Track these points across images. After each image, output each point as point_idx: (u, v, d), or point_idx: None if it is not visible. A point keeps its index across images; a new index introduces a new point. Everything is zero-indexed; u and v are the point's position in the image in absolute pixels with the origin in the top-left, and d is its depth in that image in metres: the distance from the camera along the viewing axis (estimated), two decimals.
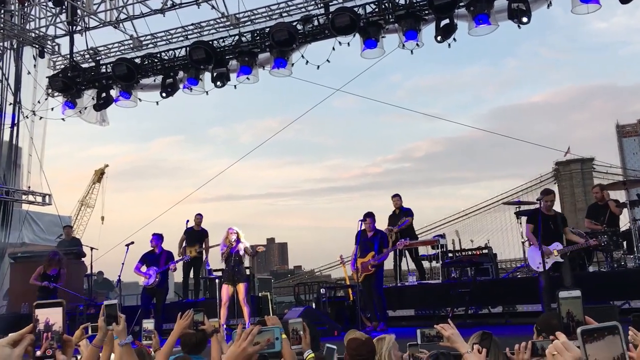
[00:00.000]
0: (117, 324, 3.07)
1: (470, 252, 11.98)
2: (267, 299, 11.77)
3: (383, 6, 11.16)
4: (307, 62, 11.73)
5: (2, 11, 13.92)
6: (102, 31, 13.90)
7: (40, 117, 14.20)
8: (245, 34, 12.40)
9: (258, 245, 10.49)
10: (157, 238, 10.68)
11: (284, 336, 2.66)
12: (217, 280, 10.66)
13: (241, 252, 9.69)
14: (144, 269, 10.51)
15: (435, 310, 9.97)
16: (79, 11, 13.50)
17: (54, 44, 14.84)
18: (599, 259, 10.42)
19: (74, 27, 13.66)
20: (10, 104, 14.51)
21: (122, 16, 13.45)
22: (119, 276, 10.75)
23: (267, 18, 12.59)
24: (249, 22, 12.79)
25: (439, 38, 10.71)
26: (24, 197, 15.05)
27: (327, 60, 11.57)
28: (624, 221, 10.16)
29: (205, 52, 12.05)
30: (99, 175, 46.43)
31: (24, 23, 14.41)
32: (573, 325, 1.80)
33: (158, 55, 13.06)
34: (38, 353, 1.62)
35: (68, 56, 13.95)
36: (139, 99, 13.46)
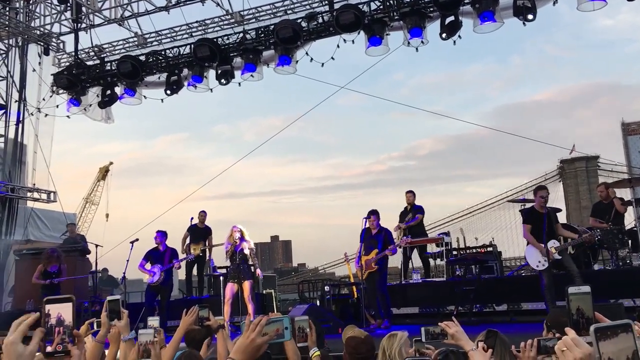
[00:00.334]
0: (120, 320, 3.07)
1: (474, 250, 11.96)
2: (271, 297, 11.77)
3: (388, 3, 11.13)
4: (312, 59, 11.72)
5: (7, 8, 13.95)
6: (107, 29, 13.95)
7: (46, 115, 14.23)
8: (249, 32, 12.39)
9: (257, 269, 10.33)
10: (162, 235, 10.68)
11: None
12: (221, 278, 10.68)
13: (245, 251, 9.70)
14: (148, 266, 10.52)
15: (440, 308, 9.96)
16: (83, 9, 13.52)
17: (58, 41, 14.86)
18: (604, 257, 10.39)
19: (79, 25, 13.68)
20: (16, 101, 14.55)
21: (127, 14, 13.47)
22: (124, 273, 10.78)
23: (272, 15, 12.58)
24: (254, 20, 12.79)
25: (443, 35, 10.68)
26: (29, 194, 15.10)
27: (332, 58, 11.55)
28: (630, 219, 10.13)
29: (209, 50, 12.05)
30: (104, 172, 46.52)
31: (29, 20, 14.44)
32: (583, 322, 1.78)
33: (162, 53, 13.07)
34: (49, 348, 1.61)
35: (73, 54, 13.99)
36: (144, 97, 13.48)
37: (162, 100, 13.14)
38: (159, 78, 13.14)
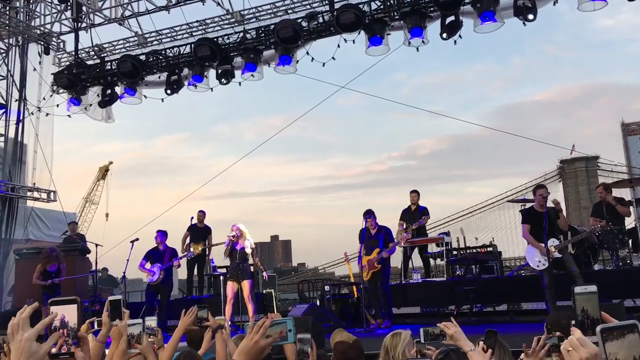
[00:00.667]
0: (121, 320, 3.07)
1: (475, 250, 11.97)
2: (271, 296, 11.77)
3: (388, 3, 11.13)
4: (313, 59, 11.72)
5: (8, 8, 13.94)
6: (107, 28, 13.96)
7: (47, 114, 14.24)
8: (249, 31, 12.39)
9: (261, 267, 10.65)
10: (162, 235, 10.69)
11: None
12: (221, 277, 10.67)
13: (247, 250, 9.70)
14: (148, 265, 10.53)
15: (440, 307, 9.96)
16: (84, 8, 13.52)
17: (59, 40, 14.87)
18: (604, 257, 10.39)
19: (79, 24, 13.67)
20: (16, 100, 14.54)
21: (127, 13, 13.48)
22: (124, 273, 10.78)
23: (272, 15, 12.58)
24: (254, 19, 12.79)
25: (444, 35, 10.68)
26: (29, 193, 15.10)
27: (333, 58, 11.55)
28: (630, 219, 10.10)
29: (210, 49, 12.05)
30: (104, 172, 46.52)
31: (29, 20, 14.43)
32: (588, 322, 1.77)
33: (163, 52, 13.07)
34: (54, 350, 1.61)
35: (73, 53, 13.99)
36: (144, 96, 13.47)
37: (162, 99, 13.14)
38: (159, 77, 13.13)
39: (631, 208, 9.69)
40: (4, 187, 14.25)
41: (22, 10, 14.36)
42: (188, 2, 12.71)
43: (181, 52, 12.86)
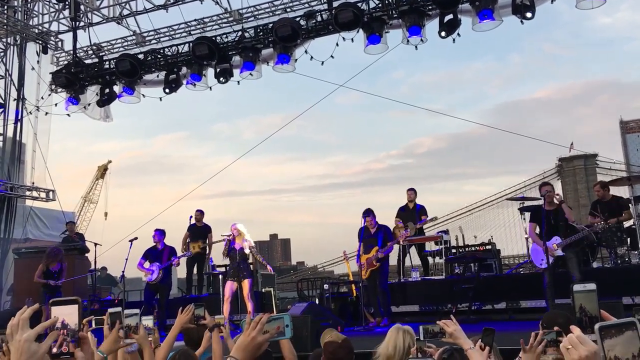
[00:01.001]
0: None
1: (473, 248, 11.98)
2: (270, 295, 11.77)
3: (387, 1, 11.13)
4: (312, 57, 11.71)
5: (6, 7, 13.93)
6: (105, 27, 13.93)
7: (46, 113, 14.23)
8: (248, 30, 12.39)
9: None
10: (160, 234, 10.69)
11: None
12: (220, 276, 10.67)
13: (246, 250, 9.71)
14: (146, 264, 10.53)
15: (439, 306, 9.97)
16: (82, 7, 13.50)
17: (57, 39, 14.85)
18: (602, 255, 10.40)
19: (77, 23, 13.65)
20: (14, 99, 14.52)
21: (125, 12, 13.46)
22: (123, 272, 10.77)
23: (270, 14, 12.57)
24: (252, 18, 12.78)
25: (442, 33, 10.68)
26: (27, 193, 15.08)
27: (331, 56, 11.56)
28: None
29: (208, 48, 12.04)
30: (102, 171, 46.62)
31: (27, 19, 14.41)
32: (586, 320, 1.78)
33: (161, 51, 13.06)
34: (54, 350, 1.62)
35: (71, 52, 13.97)
36: (142, 95, 13.47)
37: (160, 98, 13.13)
38: (158, 76, 13.13)
39: (630, 206, 9.69)
40: (3, 187, 14.23)
41: (20, 9, 14.34)
42: (186, 1, 12.69)
43: (179, 51, 12.85)
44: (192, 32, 13.25)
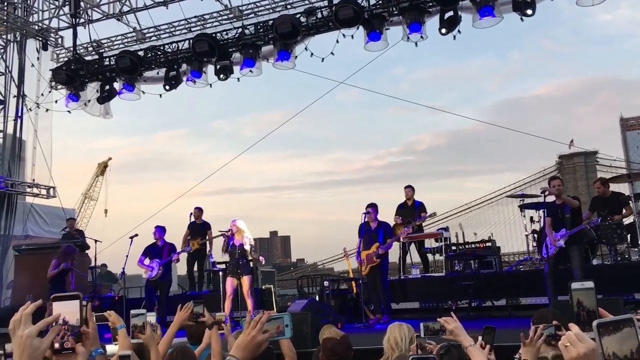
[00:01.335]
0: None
1: (473, 245, 11.99)
2: (270, 292, 11.78)
3: None
4: (312, 54, 11.70)
5: (6, 3, 13.91)
6: (106, 24, 13.92)
7: (47, 110, 14.22)
8: (248, 27, 12.37)
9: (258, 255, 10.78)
10: (160, 230, 10.69)
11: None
12: (220, 273, 10.68)
13: (246, 247, 9.71)
14: (147, 261, 10.53)
15: (439, 303, 9.97)
16: (82, 4, 13.49)
17: (57, 36, 14.84)
18: (602, 252, 10.40)
19: (77, 20, 13.64)
20: (14, 96, 14.52)
21: (125, 8, 13.44)
22: (123, 268, 10.79)
23: (271, 10, 12.56)
24: (253, 15, 12.76)
25: (443, 30, 10.67)
26: (28, 189, 15.08)
27: (332, 53, 11.53)
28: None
29: (208, 45, 12.03)
30: (102, 168, 46.58)
31: (27, 15, 14.40)
32: (584, 314, 1.78)
33: (161, 48, 13.05)
34: (56, 345, 1.62)
35: (71, 49, 13.96)
36: (142, 92, 13.46)
37: (160, 95, 13.13)
38: (158, 73, 13.12)
39: (630, 203, 9.69)
40: (3, 183, 14.23)
41: (20, 5, 14.33)
42: None
43: (179, 48, 12.84)
44: (192, 29, 13.24)
